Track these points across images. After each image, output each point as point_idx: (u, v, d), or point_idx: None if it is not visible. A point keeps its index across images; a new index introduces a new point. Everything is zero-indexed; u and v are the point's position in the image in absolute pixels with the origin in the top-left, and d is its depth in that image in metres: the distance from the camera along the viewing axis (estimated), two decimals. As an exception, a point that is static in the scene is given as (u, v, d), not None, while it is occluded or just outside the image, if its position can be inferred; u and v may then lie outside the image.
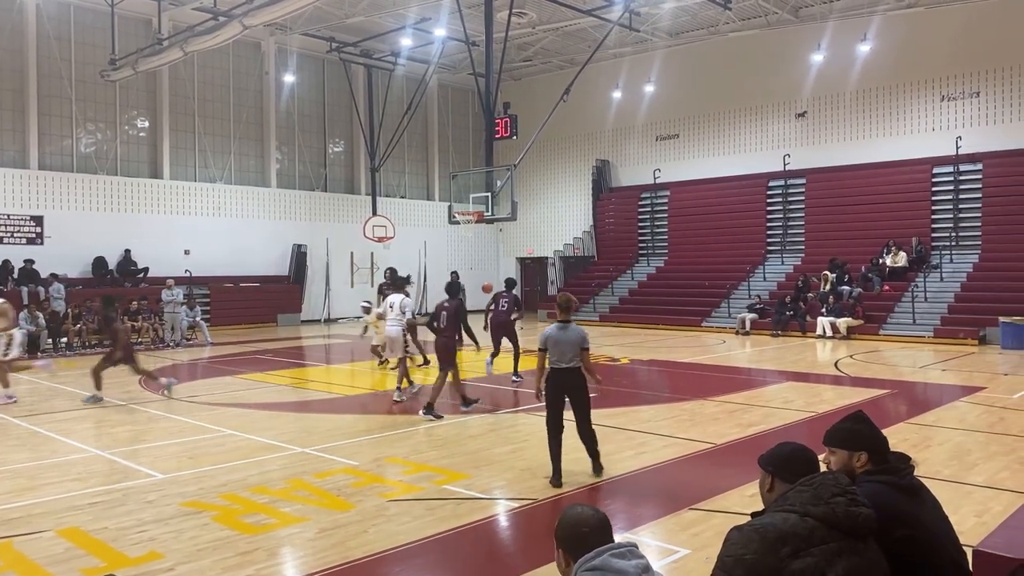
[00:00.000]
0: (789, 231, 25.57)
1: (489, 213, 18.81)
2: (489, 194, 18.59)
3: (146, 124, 24.73)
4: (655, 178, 28.44)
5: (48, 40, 22.37)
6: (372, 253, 28.38)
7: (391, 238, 27.46)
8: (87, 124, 23.48)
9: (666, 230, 28.32)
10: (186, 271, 23.41)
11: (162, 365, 15.65)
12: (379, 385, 13.09)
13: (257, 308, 25.06)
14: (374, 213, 28.07)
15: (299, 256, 26.99)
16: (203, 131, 25.68)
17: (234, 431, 9.02)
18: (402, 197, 30.99)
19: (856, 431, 2.92)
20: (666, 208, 28.34)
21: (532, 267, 32.74)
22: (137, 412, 10.48)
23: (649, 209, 28.84)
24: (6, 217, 21.51)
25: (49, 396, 12.00)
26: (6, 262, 20.78)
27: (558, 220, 31.35)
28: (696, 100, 27.52)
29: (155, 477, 7.02)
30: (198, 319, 20.45)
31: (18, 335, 11.90)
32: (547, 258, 31.70)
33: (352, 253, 28.21)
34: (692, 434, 8.78)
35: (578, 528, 2.47)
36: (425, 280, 29.37)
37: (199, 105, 25.46)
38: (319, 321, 27.02)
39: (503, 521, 6.06)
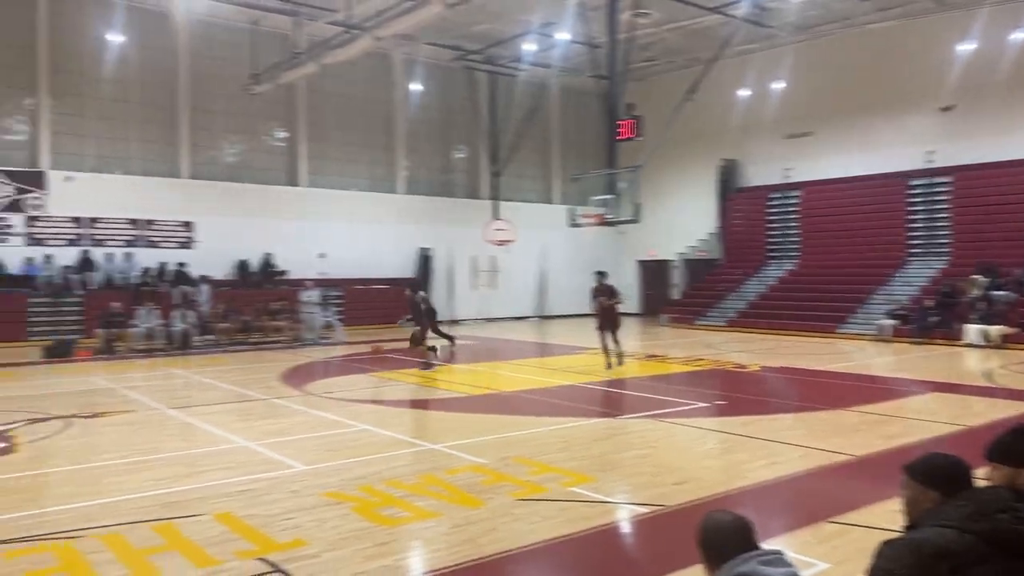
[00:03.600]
0: (933, 232, 23.99)
1: (611, 215, 18.70)
2: (611, 196, 18.49)
3: (285, 135, 26.16)
4: (785, 177, 27.41)
5: (197, 58, 24.07)
6: (493, 256, 28.82)
7: (512, 241, 27.80)
8: (231, 136, 25.10)
9: (798, 231, 27.20)
10: (321, 273, 24.56)
11: (299, 362, 16.50)
12: (502, 385, 13.28)
13: (386, 309, 25.93)
14: (495, 217, 28.51)
15: (424, 260, 27.77)
16: (337, 140, 26.90)
17: (368, 426, 9.39)
18: (523, 201, 31.30)
19: None
20: (797, 208, 27.24)
21: (654, 270, 32.26)
22: (278, 407, 11.08)
23: (779, 210, 27.81)
24: (161, 223, 23.31)
25: (202, 389, 12.88)
26: (162, 265, 22.52)
27: (682, 222, 30.72)
28: (829, 96, 26.31)
29: (297, 468, 7.41)
30: (332, 319, 21.41)
31: None
32: (670, 261, 31.17)
33: (474, 257, 28.73)
34: (830, 445, 8.40)
35: (722, 533, 2.42)
36: (546, 282, 29.51)
37: (334, 115, 26.71)
38: (443, 322, 27.63)
39: (632, 526, 6.02)
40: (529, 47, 25.71)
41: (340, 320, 22.51)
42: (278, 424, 9.79)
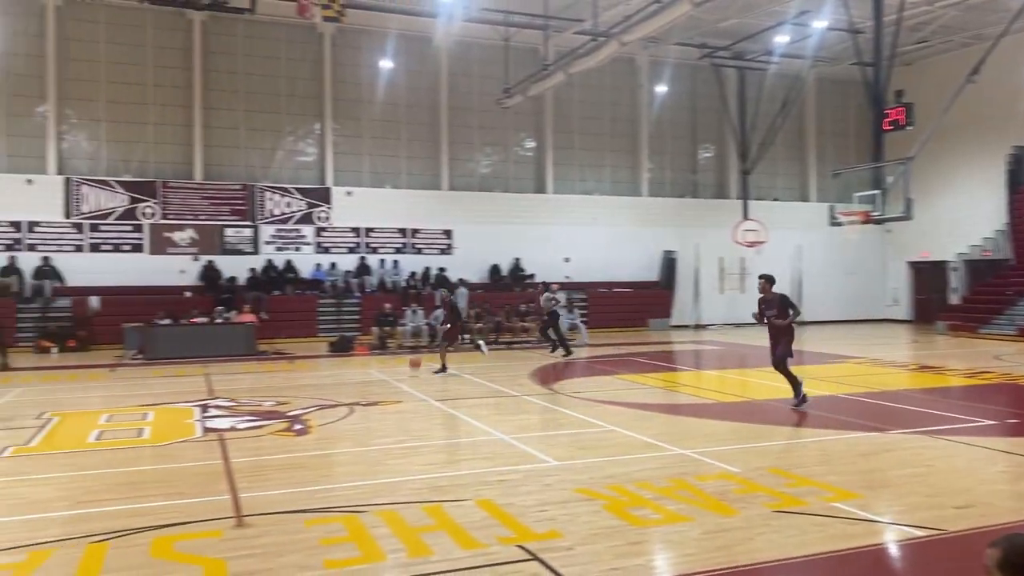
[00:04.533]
0: None
1: (878, 213, 17.22)
2: (877, 192, 17.03)
3: (533, 144, 27.26)
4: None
5: (455, 77, 25.88)
6: (742, 258, 27.76)
7: (763, 242, 26.59)
8: (485, 148, 26.66)
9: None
10: (566, 277, 25.22)
11: (547, 362, 17.09)
12: (753, 393, 12.76)
13: (629, 312, 26.06)
14: (745, 217, 27.46)
15: (668, 262, 27.46)
16: (581, 147, 27.53)
17: (615, 427, 9.50)
18: (774, 199, 29.82)
19: None
20: (1112, 200, 23.24)
21: (927, 272, 29.14)
22: (529, 403, 11.57)
23: (1086, 202, 23.90)
24: (425, 232, 25.35)
25: (461, 384, 13.81)
26: (426, 269, 24.53)
27: (961, 218, 27.44)
28: None
29: (550, 463, 7.70)
30: (577, 321, 21.92)
31: None
32: (947, 262, 27.97)
33: (721, 258, 27.88)
34: None
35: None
36: (801, 286, 27.85)
37: (578, 122, 27.38)
38: (689, 326, 27.16)
39: (903, 548, 5.51)
40: (781, 39, 24.49)
41: (584, 322, 22.95)
42: (530, 420, 10.22)
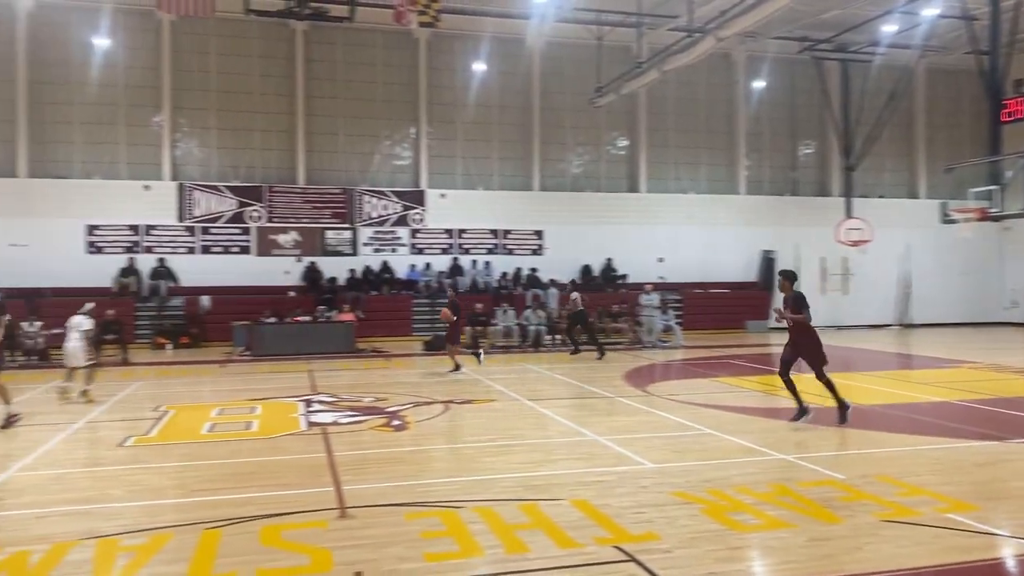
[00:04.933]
0: None
1: (995, 209, 16.25)
2: (995, 187, 16.06)
3: (626, 143, 27.03)
4: None
5: (547, 78, 25.94)
6: (845, 258, 26.72)
7: (867, 241, 25.52)
8: (577, 148, 26.61)
9: None
10: (660, 277, 24.88)
11: (640, 364, 16.91)
12: (857, 398, 12.25)
13: (726, 314, 25.47)
14: (848, 215, 26.43)
15: (767, 262, 26.70)
16: (676, 144, 27.11)
17: (712, 431, 9.31)
18: (880, 197, 28.55)
19: None
20: None
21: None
22: (623, 405, 11.47)
23: None
24: (516, 233, 25.52)
25: (553, 384, 13.83)
26: (517, 270, 24.68)
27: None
28: None
29: (646, 465, 7.61)
30: (671, 322, 21.59)
31: None
32: (1072, 262, 26.13)
33: (823, 259, 26.90)
34: None
35: None
36: (910, 287, 26.57)
37: (673, 120, 26.99)
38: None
39: (1029, 566, 5.18)
40: (889, 28, 23.44)
41: (679, 324, 22.57)
42: (624, 421, 10.14)
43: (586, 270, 25.64)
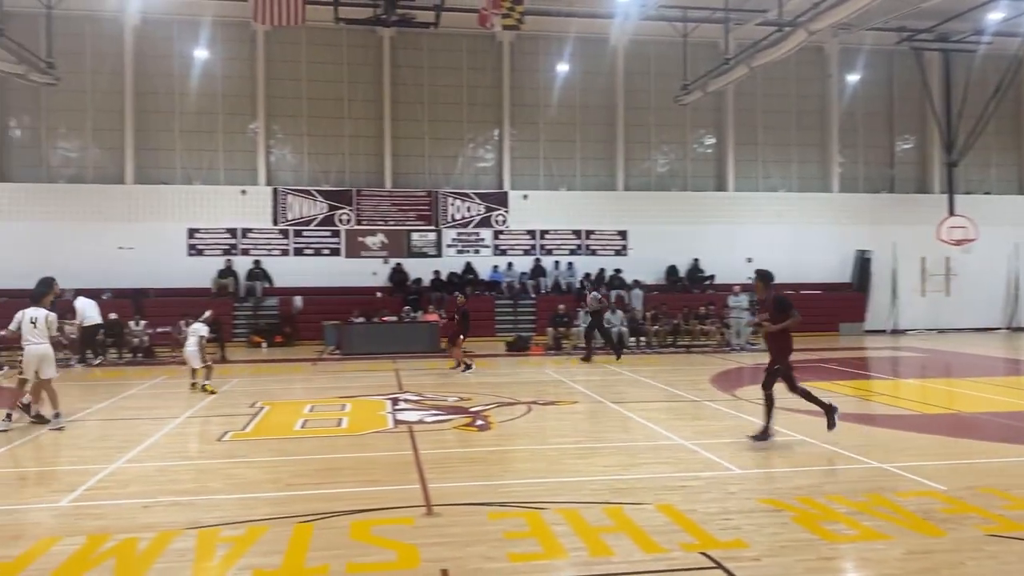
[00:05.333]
0: None
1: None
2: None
3: (712, 140, 26.51)
4: None
5: (631, 76, 25.69)
6: (947, 258, 25.46)
7: (972, 240, 24.23)
8: (662, 146, 26.26)
9: None
10: (748, 278, 24.20)
11: (728, 367, 16.54)
12: (961, 404, 11.65)
13: (818, 316, 24.53)
14: (951, 213, 25.16)
15: (862, 262, 25.71)
16: (765, 142, 26.40)
17: (803, 436, 9.02)
18: (986, 193, 27.06)
19: None
20: None
21: None
22: (710, 409, 11.26)
23: None
24: (599, 233, 25.38)
25: (637, 386, 13.68)
26: (601, 271, 24.55)
27: None
28: None
29: (734, 471, 7.44)
30: (760, 325, 21.00)
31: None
32: None
33: (924, 258, 25.70)
34: None
35: None
36: (1018, 288, 25.10)
37: (762, 116, 26.30)
38: (885, 332, 25.26)
39: None
40: (995, 16, 22.21)
41: (769, 326, 21.92)
42: (711, 426, 9.95)
43: (671, 270, 25.27)
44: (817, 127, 26.78)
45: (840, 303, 25.18)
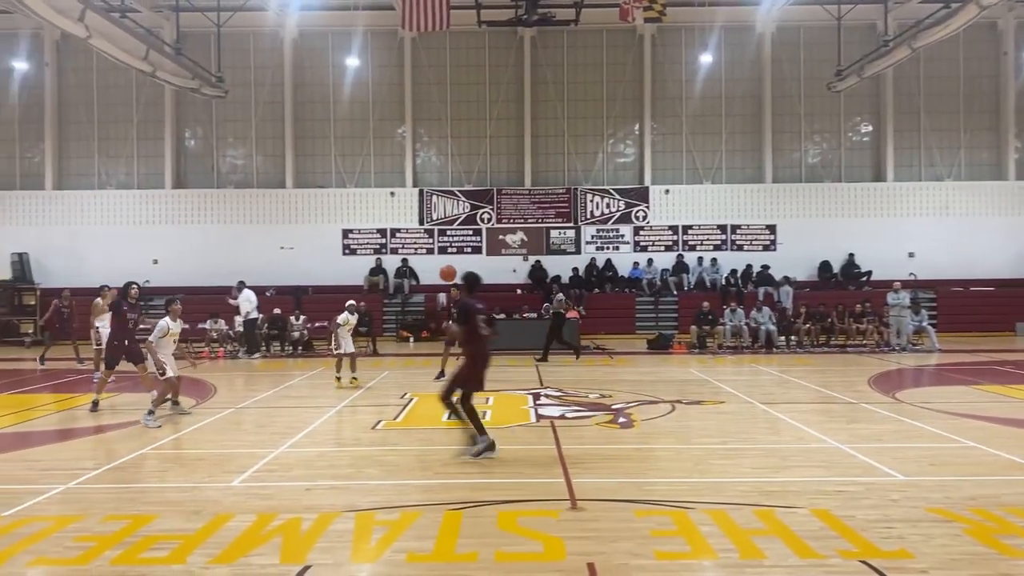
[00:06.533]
0: None
1: None
2: None
3: (869, 128, 24.99)
4: None
5: (779, 64, 24.63)
6: None
7: None
8: (813, 136, 25.02)
9: None
10: (910, 274, 22.68)
11: (888, 368, 15.55)
12: None
13: (991, 314, 22.67)
14: None
15: (1045, 257, 23.42)
16: (929, 127, 24.60)
17: (976, 443, 8.34)
18: None
19: None
20: None
21: None
22: (867, 412, 10.61)
23: None
24: (746, 228, 24.53)
25: (788, 387, 13.13)
26: (747, 267, 23.72)
27: None
28: None
29: (896, 478, 6.99)
30: (924, 324, 19.61)
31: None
32: None
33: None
34: None
35: None
36: None
37: (924, 101, 24.53)
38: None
39: None
40: None
41: (933, 326, 20.42)
42: (869, 429, 9.38)
43: (824, 266, 24.04)
44: (989, 110, 24.62)
45: (1017, 300, 23.04)
